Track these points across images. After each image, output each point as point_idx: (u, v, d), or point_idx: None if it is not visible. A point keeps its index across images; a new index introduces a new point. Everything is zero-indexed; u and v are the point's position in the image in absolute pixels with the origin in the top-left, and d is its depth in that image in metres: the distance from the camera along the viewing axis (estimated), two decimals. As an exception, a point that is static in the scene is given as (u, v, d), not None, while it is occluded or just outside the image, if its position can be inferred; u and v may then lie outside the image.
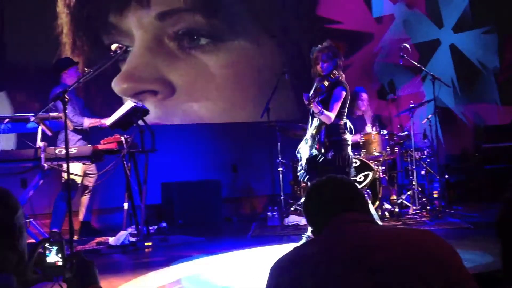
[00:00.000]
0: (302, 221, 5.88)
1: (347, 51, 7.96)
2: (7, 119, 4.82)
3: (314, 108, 4.30)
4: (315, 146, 4.42)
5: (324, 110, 4.33)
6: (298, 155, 4.61)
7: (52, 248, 1.63)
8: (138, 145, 5.42)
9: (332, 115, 4.38)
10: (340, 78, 4.41)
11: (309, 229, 4.54)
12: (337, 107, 4.41)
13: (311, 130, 4.48)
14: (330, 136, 4.40)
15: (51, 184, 5.57)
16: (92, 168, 5.74)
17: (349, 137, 4.53)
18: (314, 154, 4.43)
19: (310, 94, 4.33)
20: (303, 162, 4.50)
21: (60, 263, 1.62)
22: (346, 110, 4.53)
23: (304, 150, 4.52)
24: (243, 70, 7.85)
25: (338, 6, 8.29)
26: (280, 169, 6.35)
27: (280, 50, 8.00)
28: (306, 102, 4.27)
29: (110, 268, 4.40)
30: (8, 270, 1.34)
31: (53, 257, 1.62)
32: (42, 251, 1.62)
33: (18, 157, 4.93)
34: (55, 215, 5.48)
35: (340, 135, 4.46)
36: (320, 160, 4.39)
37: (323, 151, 4.39)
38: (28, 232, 4.48)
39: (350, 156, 4.47)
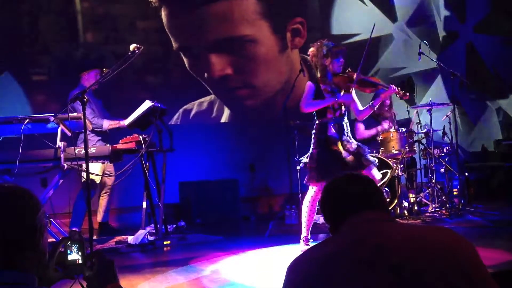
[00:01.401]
0: (320, 219, 5.86)
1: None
2: (28, 120, 4.88)
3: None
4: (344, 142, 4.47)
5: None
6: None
7: (73, 246, 1.65)
8: (156, 144, 5.46)
9: None
10: None
11: (303, 231, 4.50)
12: None
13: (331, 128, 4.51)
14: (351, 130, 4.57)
15: (70, 183, 5.63)
16: (110, 168, 5.79)
17: None
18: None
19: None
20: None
21: (80, 262, 1.65)
22: None
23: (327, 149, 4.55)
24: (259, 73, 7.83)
25: (351, 19, 8.19)
26: (298, 167, 6.34)
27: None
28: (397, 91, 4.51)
29: (129, 266, 4.43)
30: (29, 269, 1.36)
31: (74, 255, 1.65)
32: (63, 249, 1.64)
33: (39, 157, 4.99)
34: (75, 214, 5.54)
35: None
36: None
37: (348, 145, 4.47)
38: (48, 232, 4.53)
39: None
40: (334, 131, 4.43)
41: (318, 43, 4.51)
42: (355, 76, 4.45)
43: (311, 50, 4.54)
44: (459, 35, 8.82)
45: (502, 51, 8.80)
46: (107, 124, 5.65)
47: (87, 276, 1.64)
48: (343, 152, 4.35)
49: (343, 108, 4.49)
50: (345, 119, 4.52)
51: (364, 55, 4.49)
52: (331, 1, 8.23)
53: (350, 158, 4.35)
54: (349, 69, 4.54)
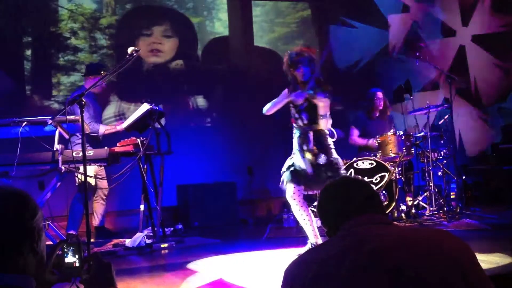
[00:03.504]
0: (318, 222, 5.86)
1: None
2: (25, 122, 4.87)
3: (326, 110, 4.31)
4: (309, 153, 4.36)
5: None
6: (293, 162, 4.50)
7: (70, 249, 1.65)
8: (154, 147, 5.46)
9: (330, 120, 4.40)
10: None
11: (311, 236, 4.48)
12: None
13: (297, 138, 4.44)
14: (321, 141, 4.39)
15: (68, 186, 5.62)
16: (101, 172, 5.77)
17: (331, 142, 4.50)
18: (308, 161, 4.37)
19: (310, 92, 4.30)
20: (299, 166, 4.42)
21: (77, 264, 1.64)
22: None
23: (297, 159, 4.44)
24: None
25: (348, 47, 8.22)
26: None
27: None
28: (301, 101, 4.25)
29: (127, 269, 4.42)
30: (28, 272, 1.36)
31: (71, 258, 1.65)
32: (60, 252, 1.64)
33: (36, 159, 4.99)
34: (71, 217, 5.53)
35: (327, 140, 4.44)
36: (314, 166, 4.33)
37: (314, 157, 4.34)
38: (46, 234, 4.52)
39: (338, 160, 4.44)
40: (297, 141, 4.42)
41: (287, 53, 4.50)
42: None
43: (284, 60, 4.53)
44: (456, 34, 8.86)
45: (489, 70, 8.83)
46: (103, 129, 5.64)
47: (84, 279, 1.64)
48: (305, 163, 4.35)
49: (304, 117, 4.41)
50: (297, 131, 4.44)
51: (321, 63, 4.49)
52: (325, 35, 8.28)
53: (310, 172, 4.33)
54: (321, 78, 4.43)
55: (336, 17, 8.35)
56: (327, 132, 4.49)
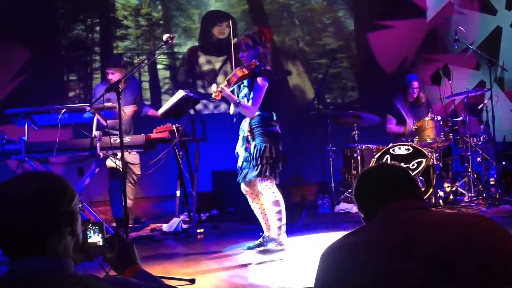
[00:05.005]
0: (353, 208, 5.84)
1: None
2: (64, 110, 4.98)
3: (229, 98, 4.14)
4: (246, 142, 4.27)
5: (243, 102, 4.20)
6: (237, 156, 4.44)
7: (93, 229, 1.68)
8: (189, 133, 5.50)
9: (254, 107, 4.19)
10: (265, 67, 4.24)
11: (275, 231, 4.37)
12: (259, 98, 4.19)
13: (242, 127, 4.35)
14: (261, 126, 4.24)
15: (106, 172, 5.72)
16: (135, 157, 5.79)
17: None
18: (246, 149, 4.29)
19: (222, 83, 4.15)
20: (240, 162, 4.35)
21: (100, 244, 1.68)
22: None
23: (240, 150, 4.38)
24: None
25: (390, 48, 8.14)
26: (330, 156, 6.30)
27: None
28: (214, 92, 4.06)
29: (164, 254, 4.50)
30: (68, 254, 1.39)
31: (94, 237, 1.68)
32: (84, 232, 1.67)
33: (75, 146, 5.09)
34: (113, 203, 5.61)
35: (272, 127, 4.29)
36: (250, 151, 4.22)
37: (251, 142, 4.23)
38: (84, 218, 4.61)
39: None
40: None
41: None
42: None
43: None
44: (497, 14, 8.64)
45: None
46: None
47: (108, 257, 1.67)
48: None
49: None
50: (246, 119, 4.32)
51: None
52: (366, 43, 8.20)
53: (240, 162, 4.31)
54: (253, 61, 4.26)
55: (370, 21, 8.24)
56: (274, 120, 4.36)
